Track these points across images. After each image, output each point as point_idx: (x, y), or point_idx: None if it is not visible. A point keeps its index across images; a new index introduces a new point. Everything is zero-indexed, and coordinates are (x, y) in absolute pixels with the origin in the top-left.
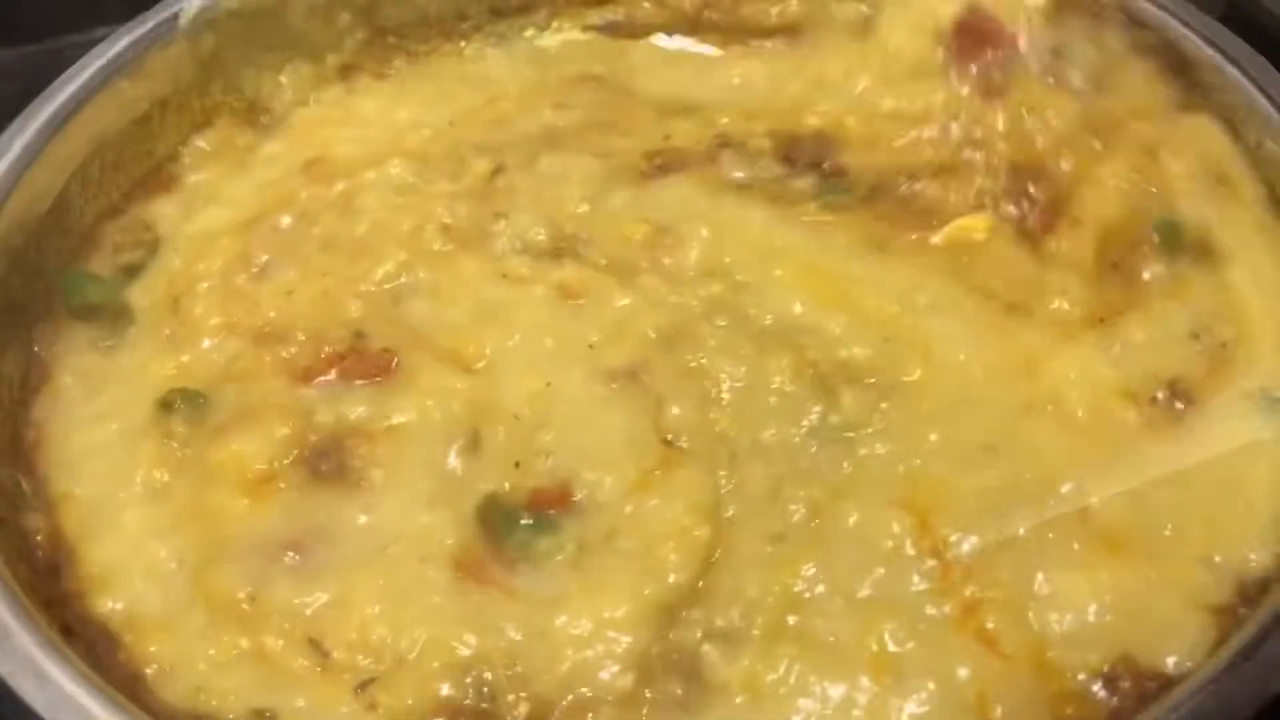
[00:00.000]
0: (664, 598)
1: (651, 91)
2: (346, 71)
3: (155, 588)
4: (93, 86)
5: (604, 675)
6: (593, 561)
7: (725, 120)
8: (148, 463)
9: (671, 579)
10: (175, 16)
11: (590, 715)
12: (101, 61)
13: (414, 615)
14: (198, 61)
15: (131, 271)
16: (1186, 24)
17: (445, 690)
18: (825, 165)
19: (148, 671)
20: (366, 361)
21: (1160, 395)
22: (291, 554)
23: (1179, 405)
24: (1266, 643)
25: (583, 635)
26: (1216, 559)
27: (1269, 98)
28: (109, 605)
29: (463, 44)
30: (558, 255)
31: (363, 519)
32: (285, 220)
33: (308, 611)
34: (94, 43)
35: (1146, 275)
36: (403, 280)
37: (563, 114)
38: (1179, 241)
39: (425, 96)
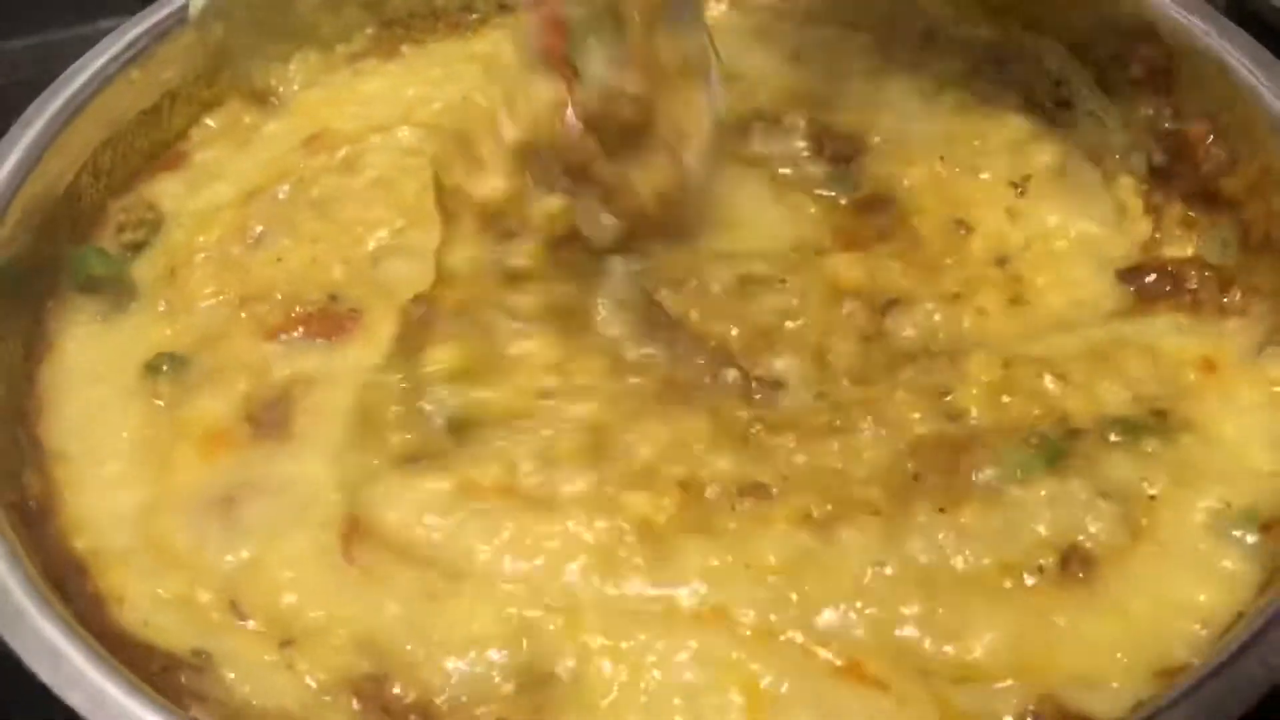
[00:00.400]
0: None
1: None
2: (354, 58)
3: (117, 530)
4: (104, 77)
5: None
6: None
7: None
8: (135, 422)
9: None
10: (185, 7)
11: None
12: (113, 51)
13: (316, 585)
14: (207, 52)
15: (137, 248)
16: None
17: (350, 664)
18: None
19: (108, 599)
20: (330, 320)
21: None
22: (224, 509)
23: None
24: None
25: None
26: None
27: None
28: (80, 544)
29: (470, 35)
30: None
31: (290, 473)
32: (284, 190)
33: (230, 569)
34: (99, 34)
35: None
36: (391, 243)
37: None
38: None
39: (433, 77)
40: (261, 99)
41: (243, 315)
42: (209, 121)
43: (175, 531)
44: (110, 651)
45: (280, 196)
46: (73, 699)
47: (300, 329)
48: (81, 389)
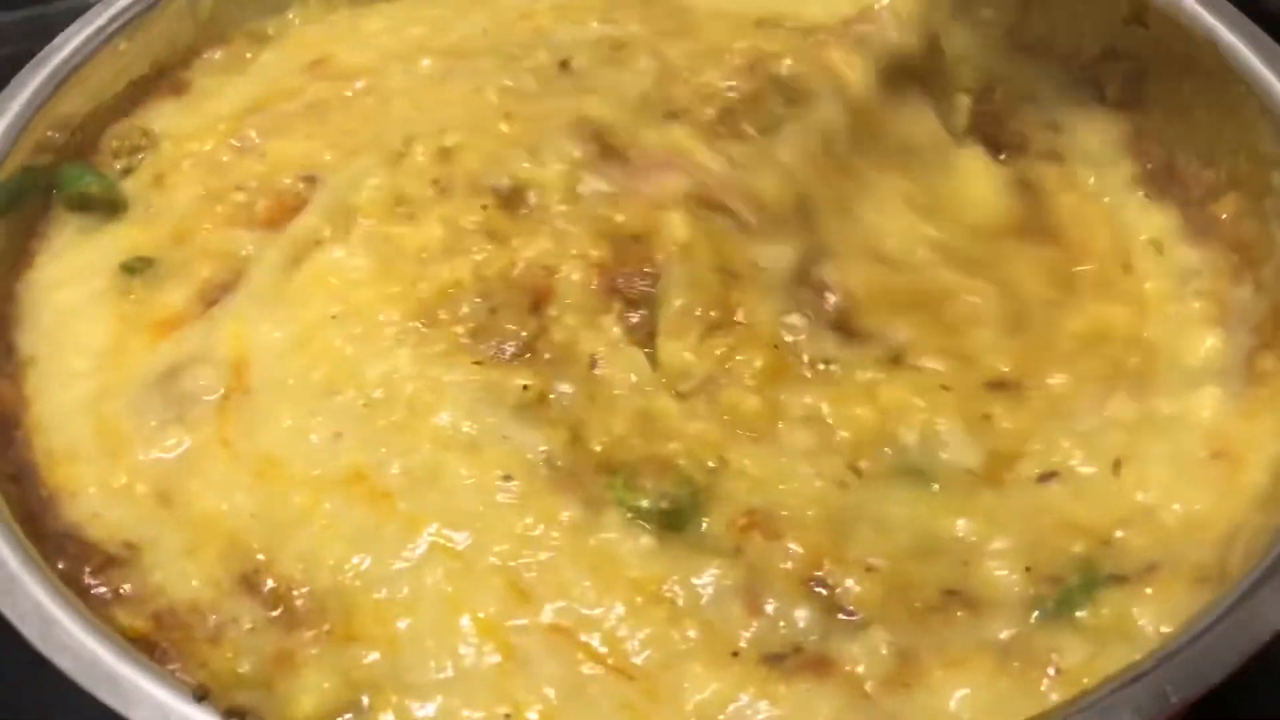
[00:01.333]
0: None
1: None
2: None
3: (70, 424)
4: (90, 49)
5: None
6: None
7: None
8: (105, 324)
9: None
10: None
11: None
12: (100, 21)
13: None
14: (196, 22)
15: (130, 169)
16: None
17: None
18: None
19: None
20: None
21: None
22: (167, 391)
23: None
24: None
25: None
26: None
27: None
28: (39, 442)
29: None
30: None
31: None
32: (288, 107)
33: (164, 460)
34: (88, 7)
35: None
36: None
37: (615, 27)
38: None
39: (438, 15)
40: (260, 38)
41: (218, 208)
42: (214, 55)
43: (119, 418)
44: (53, 552)
45: (283, 110)
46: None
47: (277, 214)
48: (57, 295)
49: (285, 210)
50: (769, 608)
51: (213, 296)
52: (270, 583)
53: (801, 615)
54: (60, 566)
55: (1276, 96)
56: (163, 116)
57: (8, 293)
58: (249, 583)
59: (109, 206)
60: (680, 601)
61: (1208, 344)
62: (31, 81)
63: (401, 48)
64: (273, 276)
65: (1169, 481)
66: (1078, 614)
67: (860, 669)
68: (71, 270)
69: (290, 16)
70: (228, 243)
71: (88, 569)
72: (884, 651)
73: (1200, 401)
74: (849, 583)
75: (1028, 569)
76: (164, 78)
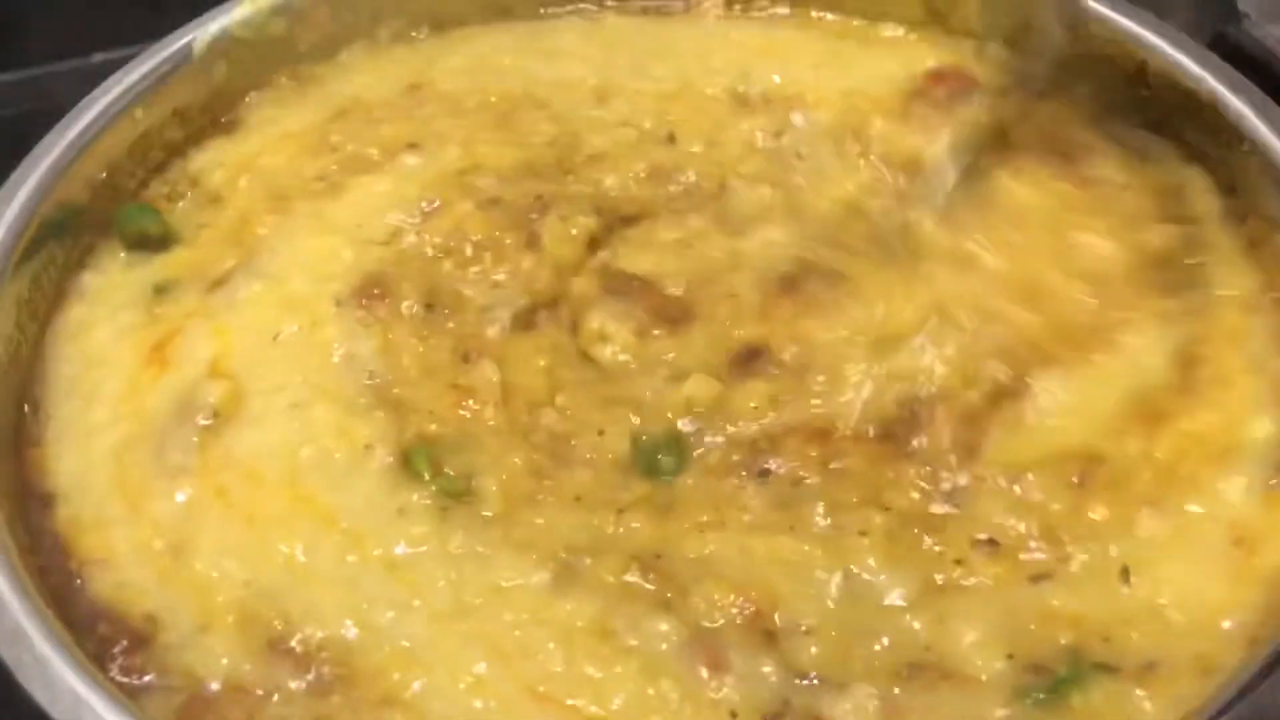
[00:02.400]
0: None
1: None
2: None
3: (92, 482)
4: (109, 116)
5: None
6: None
7: None
8: (127, 358)
9: None
10: (188, 45)
11: None
12: (118, 90)
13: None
14: (211, 90)
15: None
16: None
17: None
18: None
19: (84, 567)
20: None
21: None
22: (178, 422)
23: None
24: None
25: None
26: None
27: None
28: (63, 512)
29: None
30: None
31: None
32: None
33: (174, 512)
34: (92, 68)
35: None
36: None
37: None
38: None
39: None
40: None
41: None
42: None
43: (139, 465)
44: (85, 635)
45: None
46: None
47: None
48: (84, 338)
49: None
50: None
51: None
52: (297, 644)
53: (769, 670)
54: (90, 649)
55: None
56: (210, 157)
57: (36, 344)
58: (276, 649)
59: (161, 240)
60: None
61: (1265, 429)
62: (52, 150)
63: None
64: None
65: (1182, 579)
66: (1074, 700)
67: None
68: (104, 308)
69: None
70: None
71: (117, 651)
72: (871, 708)
73: (1229, 493)
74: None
75: (1010, 656)
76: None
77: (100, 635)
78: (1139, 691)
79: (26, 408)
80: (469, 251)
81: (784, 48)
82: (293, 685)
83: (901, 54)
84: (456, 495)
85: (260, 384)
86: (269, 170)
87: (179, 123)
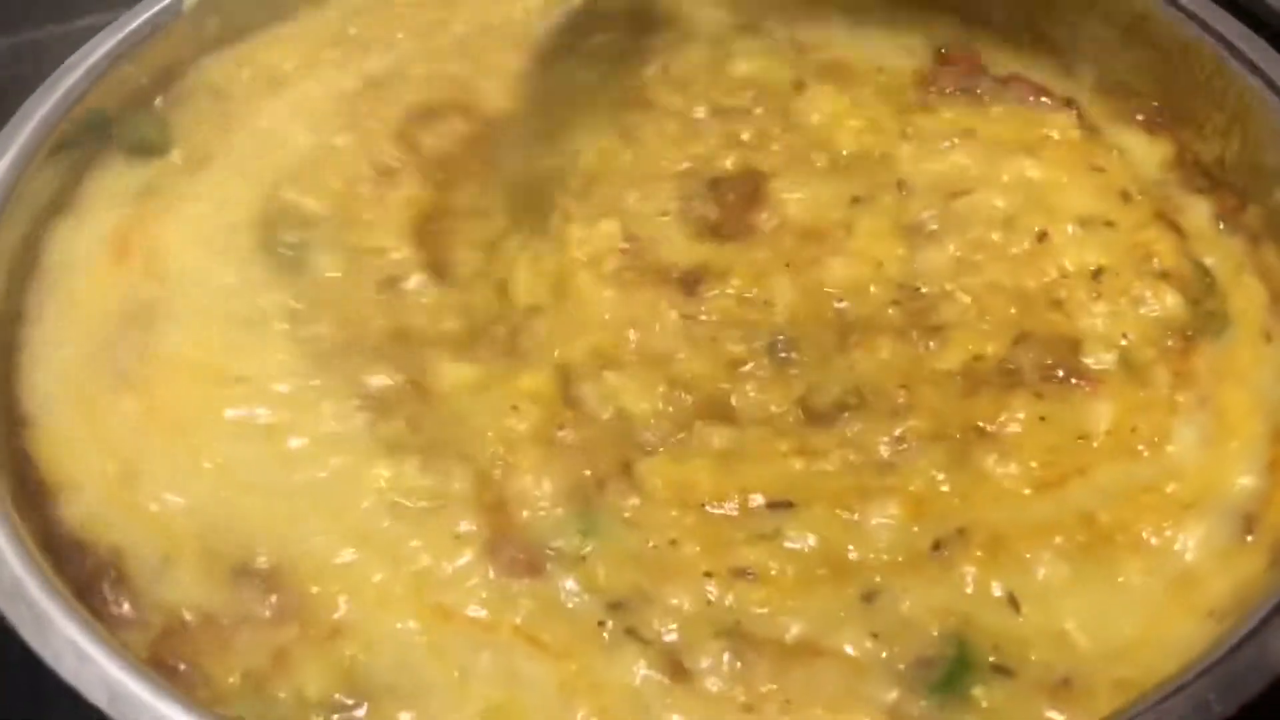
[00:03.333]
0: None
1: None
2: None
3: (59, 395)
4: (97, 72)
5: None
6: None
7: None
8: (101, 256)
9: None
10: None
11: None
12: (107, 46)
13: None
14: (201, 46)
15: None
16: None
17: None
18: None
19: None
20: None
21: None
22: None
23: None
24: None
25: None
26: None
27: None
28: (34, 432)
29: None
30: None
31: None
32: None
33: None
34: (75, 32)
35: None
36: None
37: None
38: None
39: None
40: None
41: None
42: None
43: (93, 378)
44: (55, 565)
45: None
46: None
47: None
48: (72, 240)
49: None
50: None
51: None
52: (259, 569)
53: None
54: (72, 583)
55: None
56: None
57: (33, 248)
58: (239, 576)
59: (160, 148)
60: None
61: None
62: (43, 105)
63: None
64: None
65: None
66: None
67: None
68: (93, 212)
69: None
70: None
71: (101, 584)
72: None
73: (1183, 543)
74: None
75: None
76: None
77: (79, 568)
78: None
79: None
80: None
81: None
82: (259, 612)
83: None
84: None
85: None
86: (273, 61)
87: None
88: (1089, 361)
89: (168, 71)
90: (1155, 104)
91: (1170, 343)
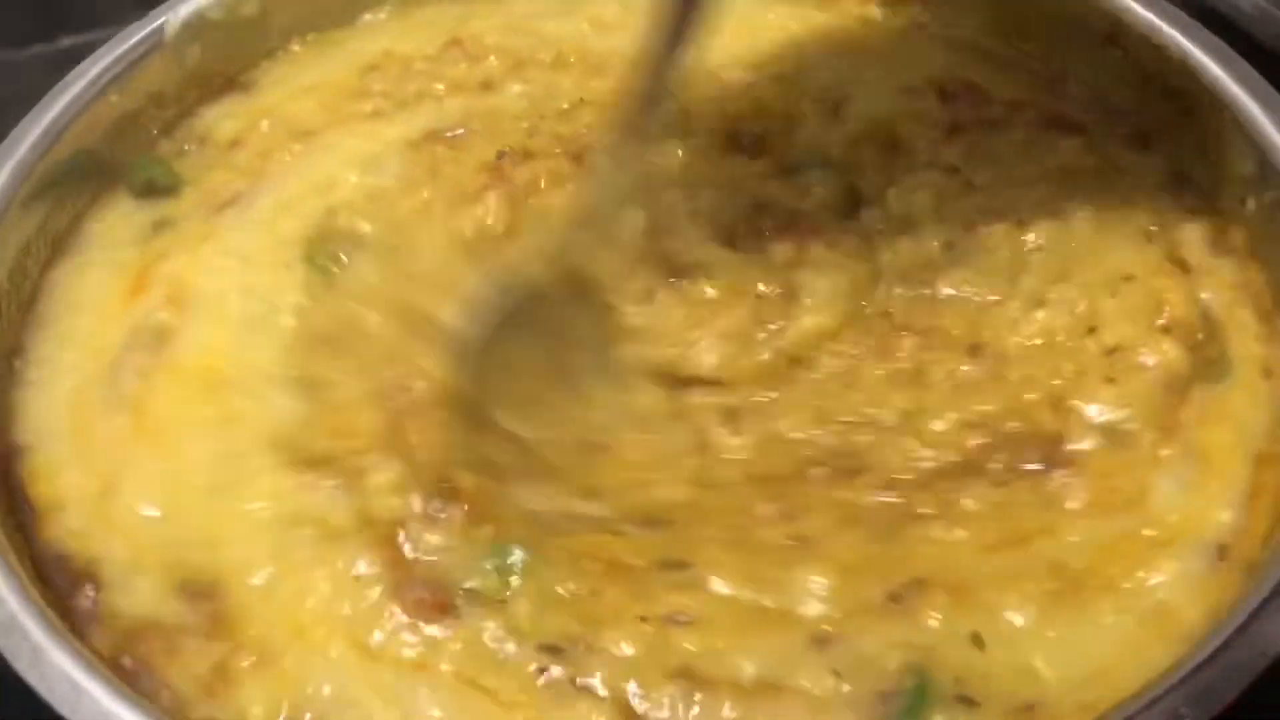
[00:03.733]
0: None
1: None
2: None
3: (53, 427)
4: (84, 102)
5: None
6: None
7: None
8: (107, 294)
9: None
10: (160, 29)
11: None
12: (91, 75)
13: None
14: (184, 73)
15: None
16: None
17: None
18: None
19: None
20: None
21: None
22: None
23: None
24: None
25: None
26: None
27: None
28: (27, 463)
29: None
30: None
31: None
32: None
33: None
34: (59, 52)
35: None
36: None
37: None
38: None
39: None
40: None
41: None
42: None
43: (91, 403)
44: (39, 579)
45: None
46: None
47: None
48: (78, 280)
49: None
50: None
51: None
52: (203, 585)
53: None
54: (53, 599)
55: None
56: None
57: (33, 287)
58: (186, 589)
59: (169, 190)
60: None
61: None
62: (27, 137)
63: None
64: None
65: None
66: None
67: None
68: (101, 250)
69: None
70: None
71: (78, 599)
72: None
73: (1157, 581)
74: None
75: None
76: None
77: (60, 583)
78: None
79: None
80: None
81: None
82: (197, 625)
83: None
84: None
85: (209, 296)
86: (294, 114)
87: (188, 87)
88: (1070, 448)
89: (169, 121)
90: (1139, 119)
91: (1166, 401)
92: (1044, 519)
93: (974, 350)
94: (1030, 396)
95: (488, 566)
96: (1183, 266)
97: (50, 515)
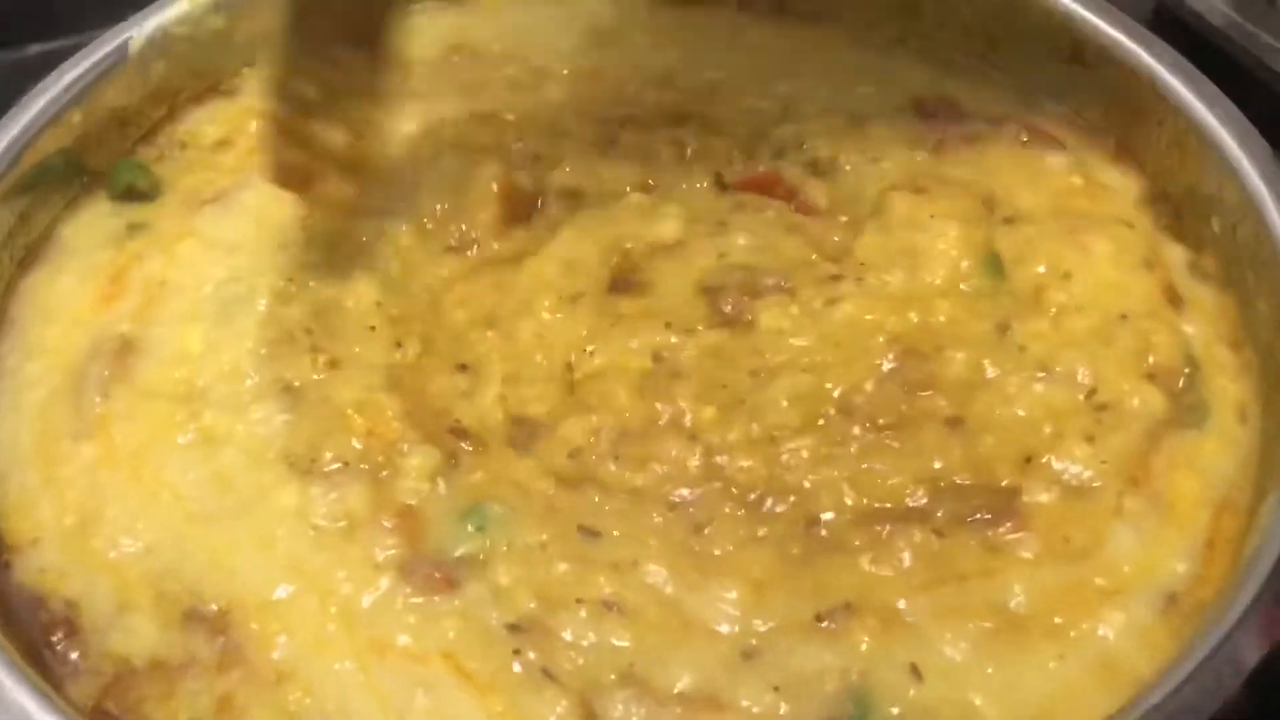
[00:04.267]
0: None
1: None
2: None
3: (19, 453)
4: (45, 119)
5: None
6: None
7: None
8: (88, 291)
9: None
10: (124, 45)
11: None
12: (53, 93)
13: None
14: (147, 89)
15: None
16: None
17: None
18: None
19: (17, 550)
20: None
21: None
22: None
23: None
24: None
25: None
26: None
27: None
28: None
29: None
30: None
31: None
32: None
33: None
34: (27, 60)
35: None
36: None
37: None
38: None
39: None
40: None
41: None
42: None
43: (55, 423)
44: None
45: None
46: None
47: None
48: (49, 288)
49: None
50: None
51: None
52: (208, 612)
53: None
54: (25, 642)
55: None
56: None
57: (4, 294)
58: (190, 619)
59: (148, 193)
60: None
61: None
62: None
63: None
64: None
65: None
66: None
67: None
68: (74, 255)
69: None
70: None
71: (52, 640)
72: None
73: (1104, 632)
74: None
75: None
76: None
77: (33, 626)
78: None
79: None
80: None
81: None
82: (205, 657)
83: None
84: None
85: (183, 288)
86: None
87: (158, 100)
88: (1026, 500)
89: (150, 127)
90: (1114, 136)
91: (1140, 450)
92: (986, 563)
93: (954, 423)
94: (997, 455)
95: (470, 528)
96: (1174, 299)
97: (22, 552)
